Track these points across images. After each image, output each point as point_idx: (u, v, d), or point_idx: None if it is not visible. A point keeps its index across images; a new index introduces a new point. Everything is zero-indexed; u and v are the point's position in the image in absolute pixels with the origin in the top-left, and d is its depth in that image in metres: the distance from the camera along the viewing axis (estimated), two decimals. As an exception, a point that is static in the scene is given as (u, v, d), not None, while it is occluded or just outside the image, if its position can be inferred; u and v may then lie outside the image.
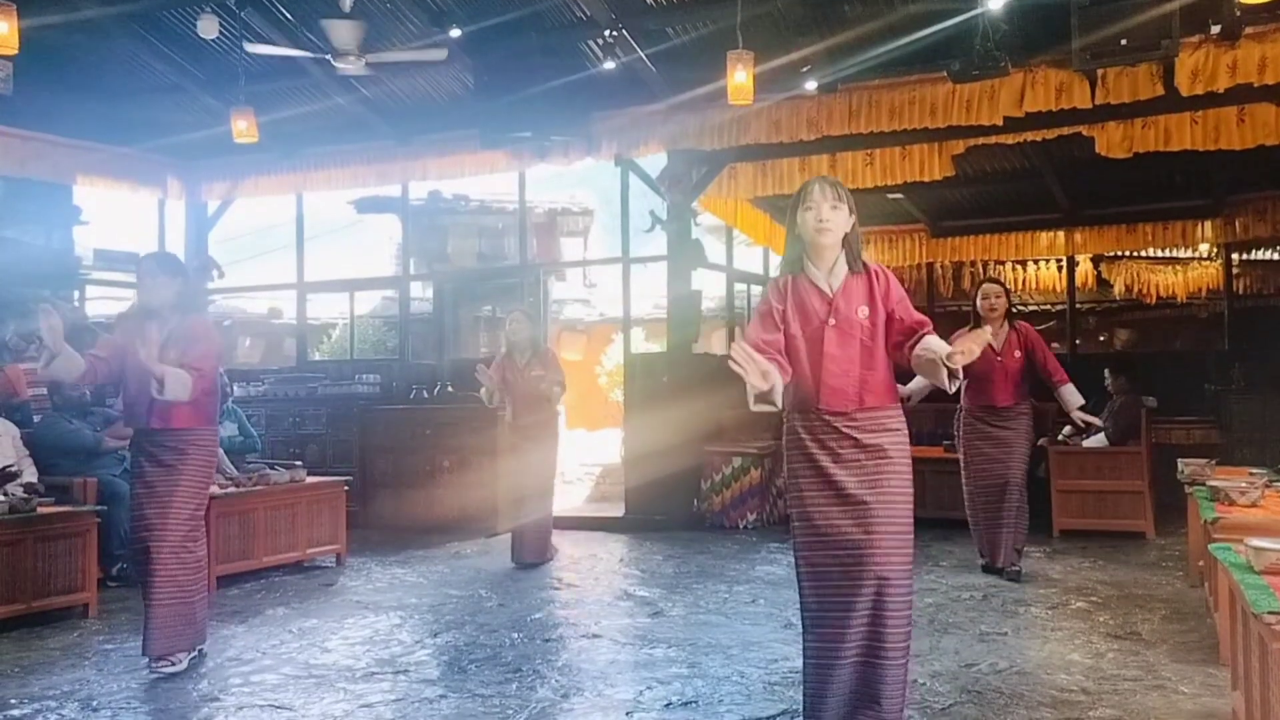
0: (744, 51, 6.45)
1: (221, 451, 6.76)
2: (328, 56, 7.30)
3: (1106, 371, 8.24)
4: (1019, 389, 6.08)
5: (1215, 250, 11.29)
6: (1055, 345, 11.86)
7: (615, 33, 7.56)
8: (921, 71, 7.27)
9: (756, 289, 11.83)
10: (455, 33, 7.64)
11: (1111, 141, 7.29)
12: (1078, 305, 11.97)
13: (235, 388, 9.02)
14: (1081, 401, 6.17)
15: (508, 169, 9.40)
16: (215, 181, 10.42)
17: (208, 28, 7.53)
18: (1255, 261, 11.67)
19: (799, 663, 3.38)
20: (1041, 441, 8.07)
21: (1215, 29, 6.37)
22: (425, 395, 9.47)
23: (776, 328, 3.32)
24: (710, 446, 8.80)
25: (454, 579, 6.58)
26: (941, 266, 12.32)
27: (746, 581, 6.26)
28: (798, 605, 3.41)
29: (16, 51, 5.92)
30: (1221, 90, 6.47)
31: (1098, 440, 7.82)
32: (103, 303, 11.95)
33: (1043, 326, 11.58)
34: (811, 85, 7.48)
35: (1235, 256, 11.29)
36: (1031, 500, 6.28)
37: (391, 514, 8.91)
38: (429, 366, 10.21)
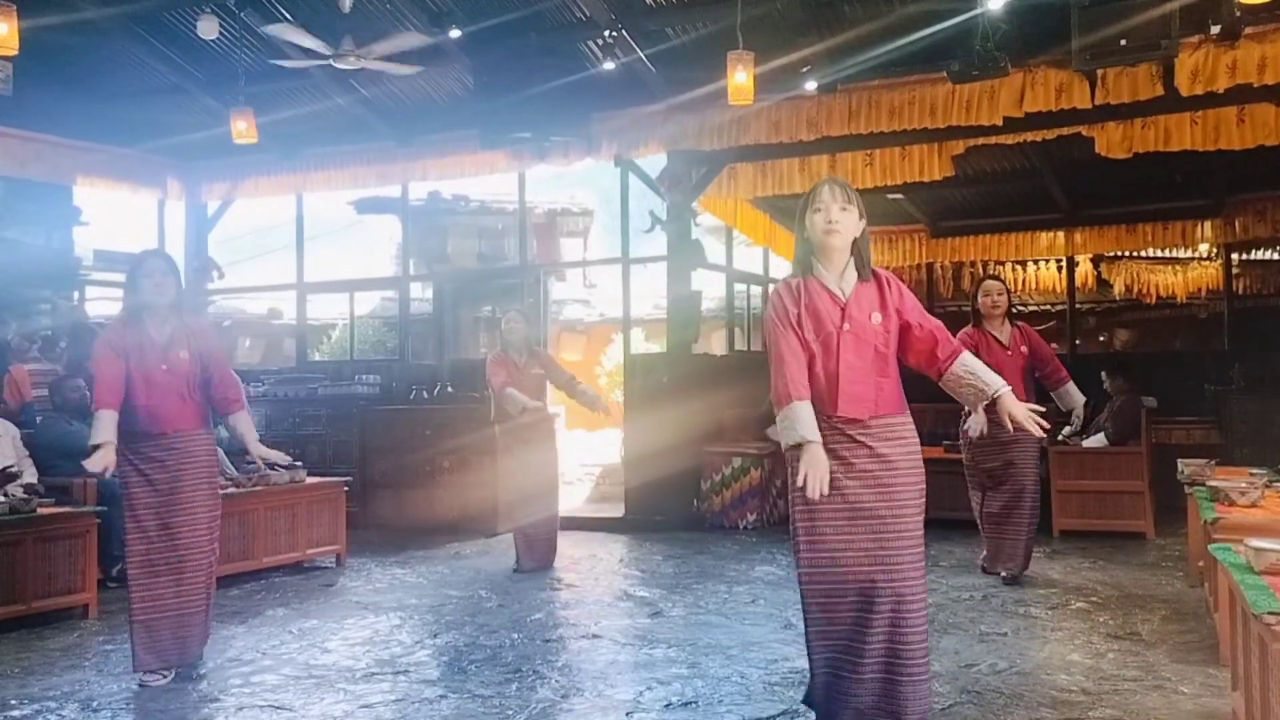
0: (744, 52, 6.45)
1: (221, 452, 6.76)
2: (328, 56, 7.30)
3: (1104, 373, 8.24)
4: (1026, 385, 5.94)
5: (1215, 250, 11.28)
6: (1055, 345, 11.85)
7: (615, 33, 7.57)
8: (921, 72, 7.27)
9: (756, 289, 11.82)
10: (455, 33, 7.64)
11: (1111, 142, 7.29)
12: (1078, 305, 11.96)
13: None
14: (1084, 400, 6.10)
15: (507, 169, 9.40)
16: (215, 182, 10.42)
17: (207, 28, 7.54)
18: (1255, 262, 11.66)
19: (799, 663, 3.38)
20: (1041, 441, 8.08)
21: (1215, 29, 6.37)
22: (425, 396, 9.47)
23: (801, 338, 3.23)
24: (710, 447, 8.80)
25: (454, 579, 6.57)
26: (941, 267, 12.31)
27: (746, 582, 6.26)
28: (798, 606, 3.38)
29: (16, 52, 5.92)
30: (1221, 90, 6.47)
31: (1098, 440, 7.83)
32: (103, 303, 11.95)
33: (1042, 327, 11.55)
34: (811, 86, 7.49)
35: (1235, 257, 11.28)
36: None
37: (391, 514, 8.91)
38: (429, 367, 10.21)
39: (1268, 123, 6.82)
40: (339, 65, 7.34)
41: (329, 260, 17.13)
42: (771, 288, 3.60)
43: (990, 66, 6.57)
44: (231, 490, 6.42)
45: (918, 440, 3.32)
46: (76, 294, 10.37)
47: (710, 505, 8.69)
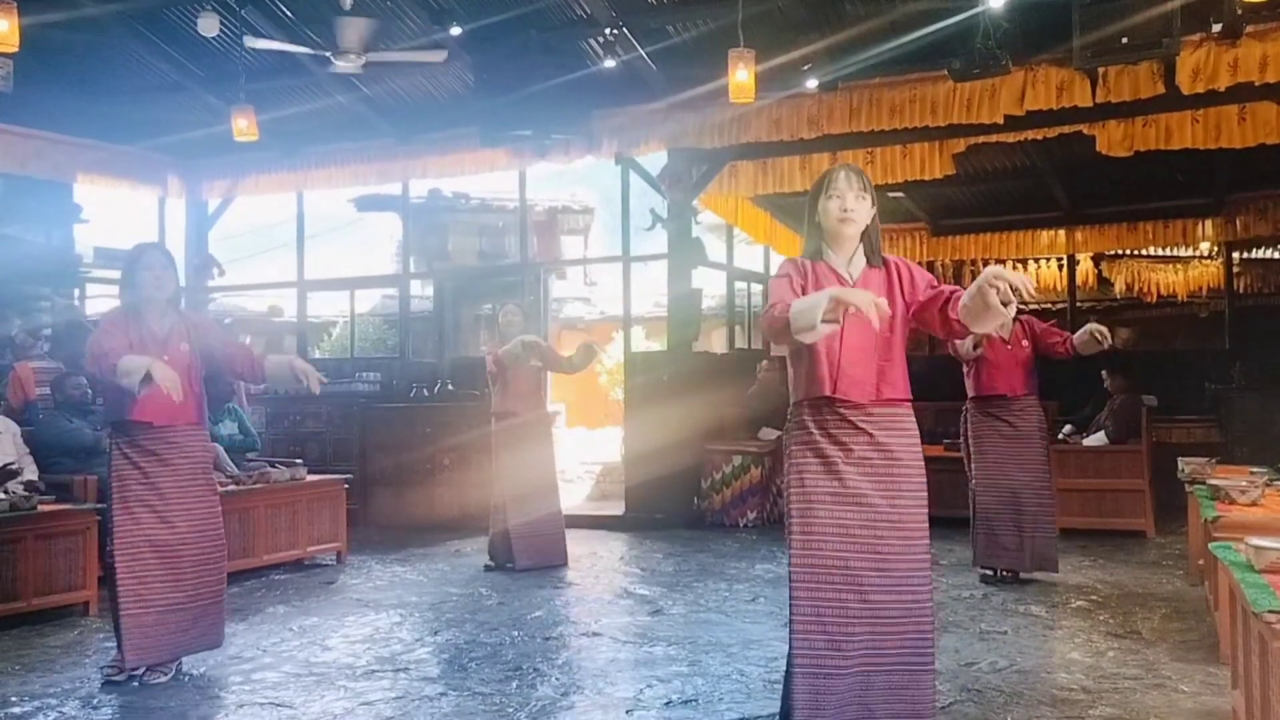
0: (745, 50, 6.45)
1: (221, 449, 6.77)
2: (328, 54, 7.29)
3: (1104, 371, 8.24)
4: (1029, 379, 5.95)
5: (1216, 249, 11.28)
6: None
7: (616, 31, 7.56)
8: (922, 70, 7.27)
9: (757, 287, 11.81)
10: (456, 31, 7.63)
11: (1112, 140, 7.28)
12: (1078, 304, 11.96)
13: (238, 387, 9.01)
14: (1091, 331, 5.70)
15: (508, 167, 9.40)
16: (215, 180, 10.42)
17: (208, 26, 7.53)
18: (1256, 260, 11.67)
19: (799, 662, 3.33)
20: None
21: (1216, 27, 6.37)
22: (425, 393, 9.47)
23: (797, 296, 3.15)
24: (710, 445, 8.80)
25: (454, 577, 6.58)
26: (942, 265, 12.30)
27: (746, 580, 6.26)
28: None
29: (17, 49, 5.91)
30: (1222, 89, 6.46)
31: (1098, 439, 7.83)
32: (103, 301, 11.95)
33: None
34: (812, 83, 7.48)
35: (1236, 255, 11.28)
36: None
37: (392, 512, 8.92)
38: (429, 365, 10.22)
39: (1269, 121, 6.82)
40: (339, 63, 7.33)
41: (329, 258, 17.12)
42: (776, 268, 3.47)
43: (991, 65, 6.57)
44: (232, 488, 6.42)
45: (918, 433, 3.25)
46: (77, 291, 10.38)
47: (710, 503, 8.69)
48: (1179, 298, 12.03)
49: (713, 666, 4.38)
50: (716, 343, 12.66)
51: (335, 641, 4.96)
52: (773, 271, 12.02)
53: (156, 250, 4.56)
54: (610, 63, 7.82)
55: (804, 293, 3.13)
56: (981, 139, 7.67)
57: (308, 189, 10.29)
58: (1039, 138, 7.65)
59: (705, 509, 8.71)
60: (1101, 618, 5.14)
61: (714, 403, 8.94)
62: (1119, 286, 12.41)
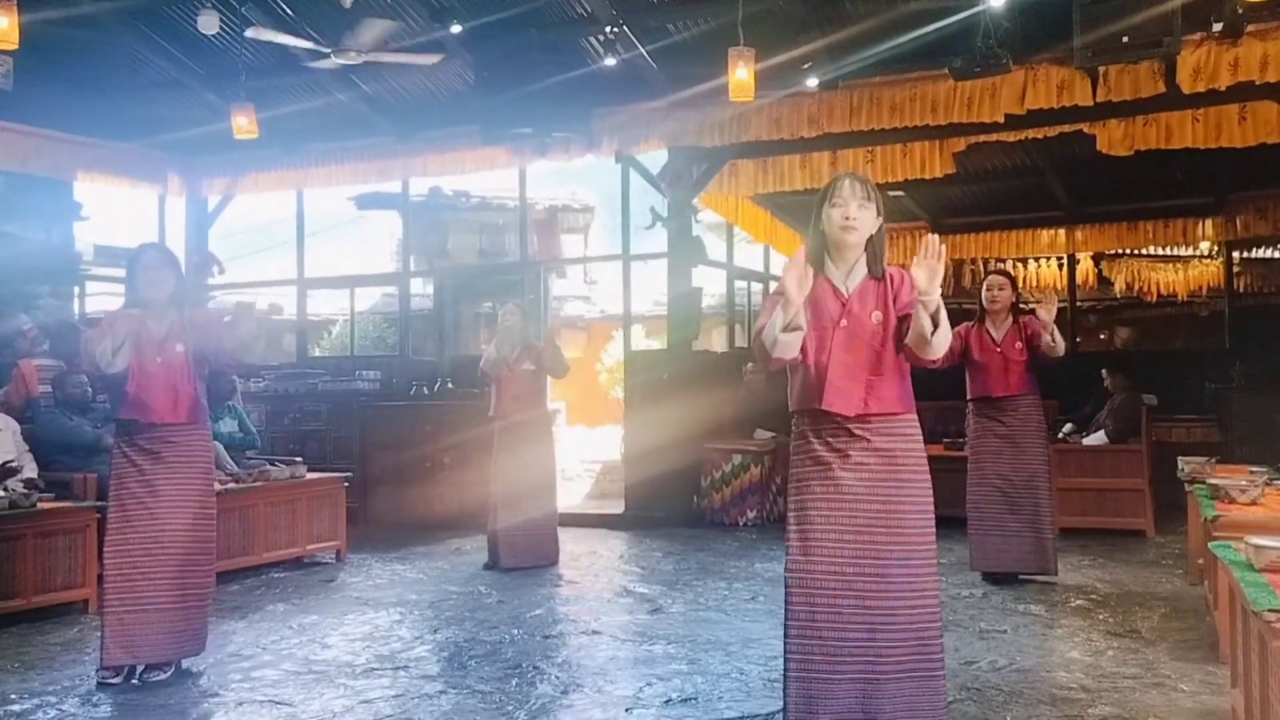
0: (745, 48, 6.44)
1: (221, 447, 6.76)
2: (328, 52, 7.29)
3: (1104, 371, 8.24)
4: (1022, 380, 5.89)
5: (1216, 248, 11.28)
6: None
7: (616, 29, 7.55)
8: (923, 68, 7.26)
9: (757, 286, 11.82)
10: (456, 29, 7.63)
11: (1113, 139, 7.28)
12: (1078, 303, 11.97)
13: (238, 384, 9.02)
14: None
15: (508, 165, 9.40)
16: (215, 177, 10.41)
17: (208, 23, 7.52)
18: (1256, 260, 11.67)
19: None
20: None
21: (1217, 27, 6.37)
22: (425, 392, 9.47)
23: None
24: (710, 444, 8.80)
25: (454, 575, 6.58)
26: (942, 264, 12.29)
27: (746, 578, 6.27)
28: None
29: (16, 47, 5.91)
30: (1223, 88, 6.46)
31: (1098, 438, 7.83)
32: (103, 299, 11.94)
33: (1043, 324, 11.56)
34: (813, 82, 7.48)
35: (1236, 255, 11.28)
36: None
37: (391, 510, 8.92)
38: (429, 363, 10.22)
39: (1269, 120, 6.81)
40: (340, 60, 7.33)
41: (329, 256, 17.13)
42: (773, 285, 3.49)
43: (992, 63, 6.56)
44: (232, 486, 6.42)
45: (920, 439, 3.23)
46: (77, 289, 10.37)
47: (710, 502, 8.69)
48: (1179, 297, 12.03)
49: (712, 665, 4.38)
50: (716, 341, 12.67)
51: (335, 639, 4.96)
52: (773, 270, 12.10)
53: (153, 250, 4.54)
54: (610, 61, 7.82)
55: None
56: (982, 138, 7.67)
57: (308, 187, 10.28)
58: (1039, 137, 7.65)
59: (705, 507, 8.71)
60: (1101, 617, 5.14)
61: (714, 401, 8.94)
62: (1119, 286, 12.41)
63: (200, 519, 4.36)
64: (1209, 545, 3.96)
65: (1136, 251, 11.83)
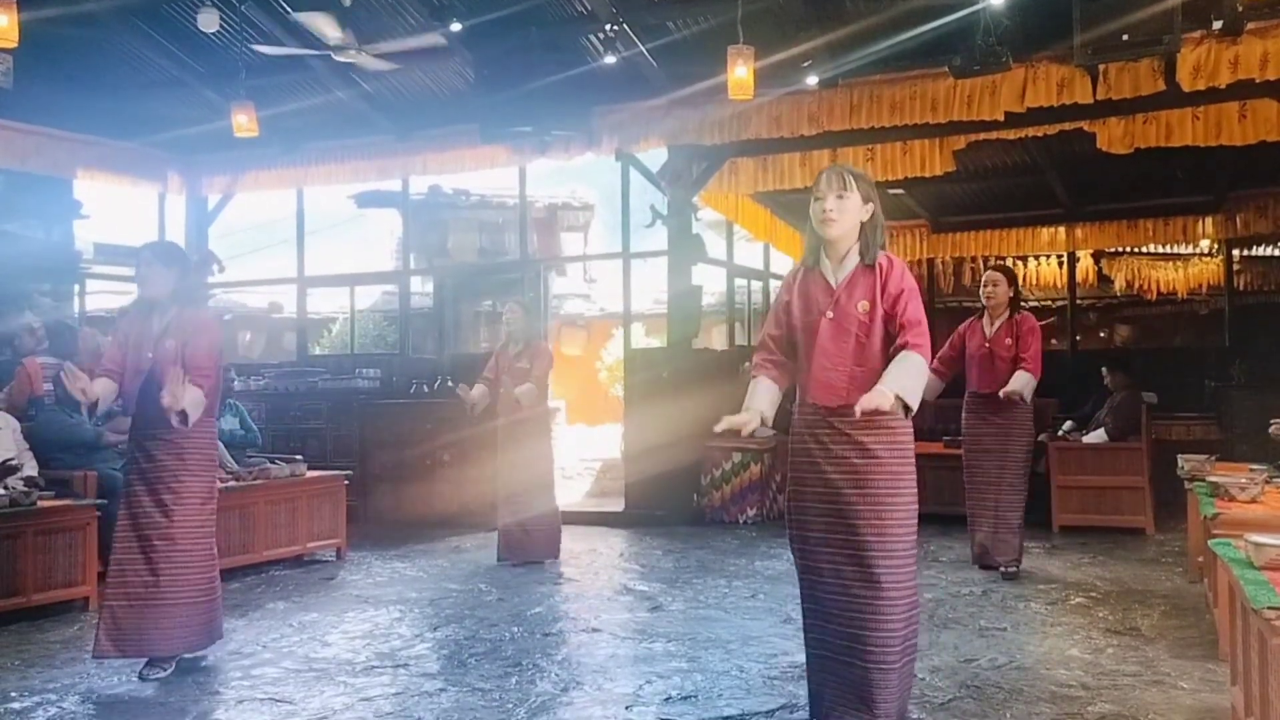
0: (745, 46, 6.44)
1: (222, 446, 6.76)
2: (329, 52, 7.29)
3: (1104, 368, 8.24)
4: (1008, 377, 5.90)
5: (1216, 246, 11.28)
6: (1055, 341, 11.86)
7: (616, 27, 7.55)
8: (923, 66, 7.26)
9: (757, 284, 11.82)
10: (456, 27, 7.62)
11: (1113, 137, 7.28)
12: (1078, 301, 11.97)
13: (236, 382, 9.02)
14: (1016, 388, 5.79)
15: (508, 164, 9.39)
16: (215, 176, 10.41)
17: (208, 22, 7.52)
18: (1256, 258, 11.67)
19: (799, 657, 3.41)
20: (1042, 437, 8.07)
21: (1217, 24, 6.37)
22: (425, 390, 9.48)
23: (779, 322, 3.41)
24: (710, 442, 8.79)
25: (454, 573, 6.58)
26: (942, 262, 12.31)
27: (746, 576, 6.27)
28: (797, 600, 3.46)
29: (16, 45, 5.89)
30: (1223, 86, 6.46)
31: (1098, 436, 7.83)
32: (103, 297, 11.95)
33: (1043, 322, 11.56)
34: (812, 80, 7.47)
35: (1236, 253, 11.28)
36: (1032, 496, 6.22)
37: (391, 508, 8.92)
38: (429, 361, 10.21)
39: (1269, 118, 6.81)
40: (339, 59, 7.33)
41: (329, 254, 17.15)
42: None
43: (992, 61, 6.56)
44: (232, 484, 6.42)
45: (909, 435, 3.28)
46: (77, 287, 10.36)
47: (710, 500, 8.69)
48: (1179, 295, 12.03)
49: (712, 662, 4.38)
50: (717, 339, 12.67)
51: (335, 637, 4.96)
52: (774, 268, 12.11)
53: (147, 249, 4.57)
54: (610, 59, 7.81)
55: (787, 309, 3.37)
56: (982, 136, 7.66)
57: (308, 185, 10.28)
58: (1039, 135, 7.65)
59: (705, 505, 8.71)
60: (1101, 614, 5.14)
61: (714, 399, 8.91)
62: (1119, 284, 12.41)
63: (193, 519, 4.35)
64: (1209, 543, 3.97)
65: (1136, 249, 11.83)
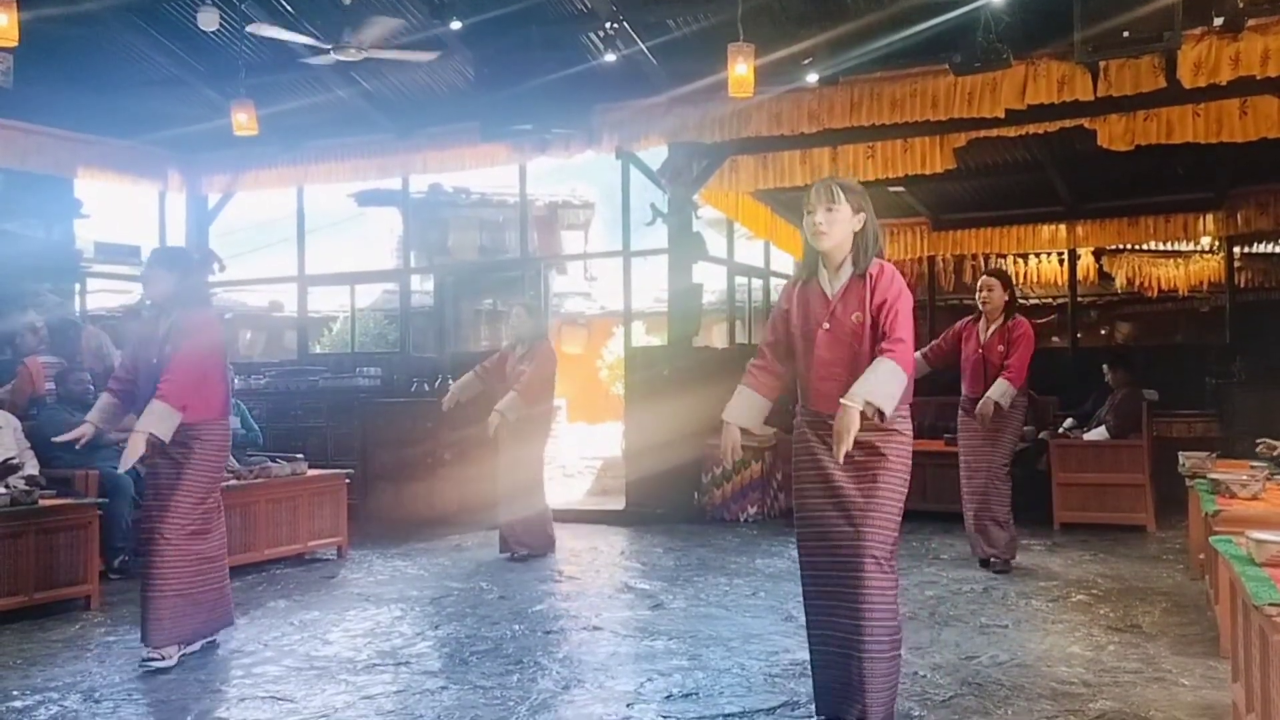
0: (745, 44, 6.44)
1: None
2: (328, 48, 7.28)
3: (1105, 366, 8.24)
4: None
5: (1217, 243, 11.27)
6: (1056, 339, 11.87)
7: (616, 25, 7.54)
8: (923, 64, 7.25)
9: (758, 282, 11.82)
10: (456, 25, 7.62)
11: (1113, 134, 7.27)
12: (1079, 298, 11.96)
13: (237, 381, 9.02)
14: (993, 397, 5.81)
15: (508, 162, 9.39)
16: (216, 174, 10.41)
17: (208, 20, 7.51)
18: (1257, 255, 11.66)
19: (800, 655, 3.42)
20: (1043, 434, 8.08)
21: (1218, 21, 6.35)
22: (426, 388, 9.47)
23: (777, 330, 3.53)
24: (711, 440, 8.76)
25: (455, 571, 6.58)
26: (943, 260, 12.29)
27: (747, 574, 6.27)
28: (798, 598, 3.49)
29: (16, 44, 5.90)
30: (1224, 82, 6.45)
31: (1099, 433, 7.83)
32: (103, 296, 11.95)
33: (1044, 320, 11.57)
34: (813, 78, 7.47)
35: (1237, 250, 11.27)
36: (1032, 493, 6.26)
37: (392, 507, 8.92)
38: (430, 360, 10.21)
39: (1270, 115, 6.80)
40: (340, 57, 7.32)
41: (330, 253, 17.16)
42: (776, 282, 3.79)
43: (992, 58, 6.56)
44: (233, 482, 6.42)
45: (907, 433, 3.36)
46: (77, 286, 10.36)
47: (711, 498, 8.69)
48: (1180, 292, 12.03)
49: (713, 660, 4.38)
50: (717, 338, 12.67)
51: (336, 635, 4.96)
52: (774, 266, 12.11)
53: (151, 254, 4.78)
54: (611, 57, 7.81)
55: (789, 318, 3.46)
56: (982, 133, 7.66)
57: (308, 184, 10.28)
58: (1040, 132, 7.64)
59: (706, 504, 8.71)
60: (1102, 612, 5.14)
61: (715, 398, 8.88)
62: (1120, 281, 12.41)
63: (189, 513, 4.46)
64: (1210, 540, 3.97)
65: (1137, 247, 11.82)
